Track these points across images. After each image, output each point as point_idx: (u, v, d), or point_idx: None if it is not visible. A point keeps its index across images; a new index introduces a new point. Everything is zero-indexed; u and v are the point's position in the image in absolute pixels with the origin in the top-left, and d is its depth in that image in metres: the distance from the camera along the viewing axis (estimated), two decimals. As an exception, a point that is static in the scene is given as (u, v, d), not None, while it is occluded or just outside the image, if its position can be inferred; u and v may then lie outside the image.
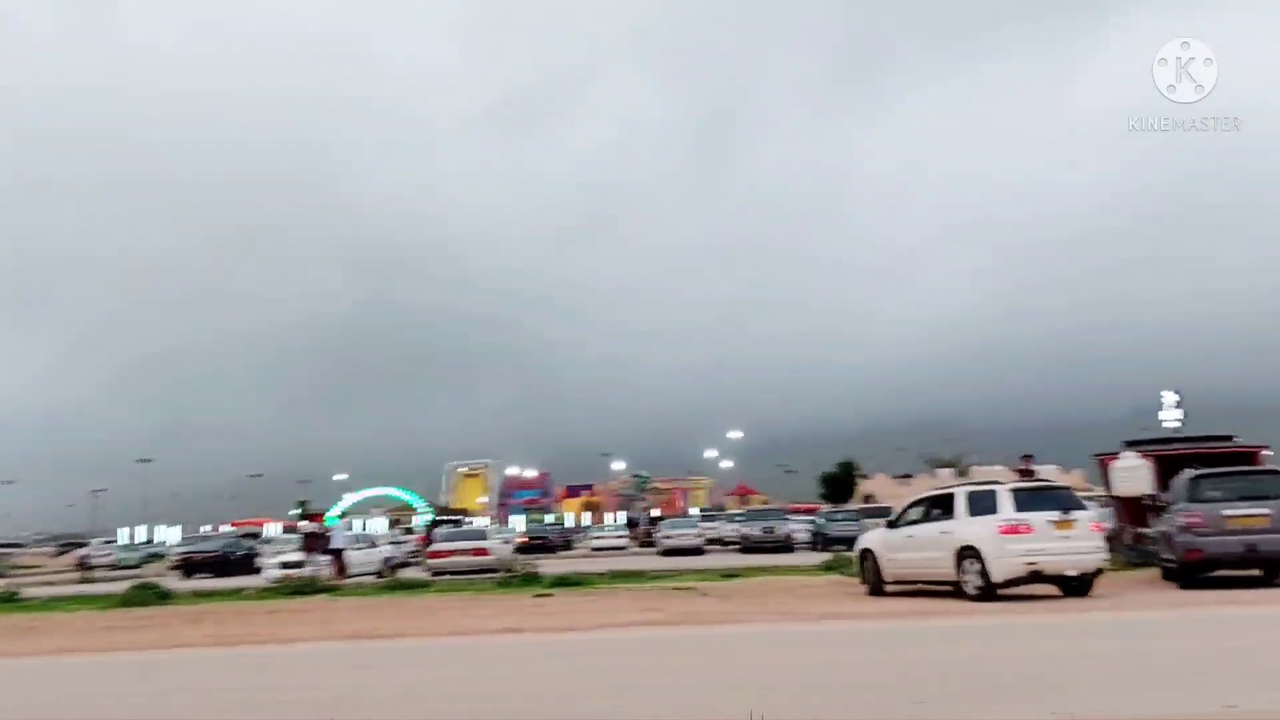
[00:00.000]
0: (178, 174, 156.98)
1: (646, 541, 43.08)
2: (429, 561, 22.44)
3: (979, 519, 12.65)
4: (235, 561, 34.03)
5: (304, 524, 23.17)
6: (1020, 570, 12.21)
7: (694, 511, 68.63)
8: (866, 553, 14.71)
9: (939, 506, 13.60)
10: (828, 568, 20.74)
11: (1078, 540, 12.44)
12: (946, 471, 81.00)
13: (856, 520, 34.31)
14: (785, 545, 33.24)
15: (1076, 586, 12.63)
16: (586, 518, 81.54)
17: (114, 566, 48.47)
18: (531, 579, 19.84)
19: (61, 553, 67.75)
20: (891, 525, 14.43)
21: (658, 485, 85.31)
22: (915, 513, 14.17)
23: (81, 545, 70.91)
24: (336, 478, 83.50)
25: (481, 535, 23.95)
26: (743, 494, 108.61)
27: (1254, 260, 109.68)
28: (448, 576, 21.87)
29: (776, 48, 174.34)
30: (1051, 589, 12.92)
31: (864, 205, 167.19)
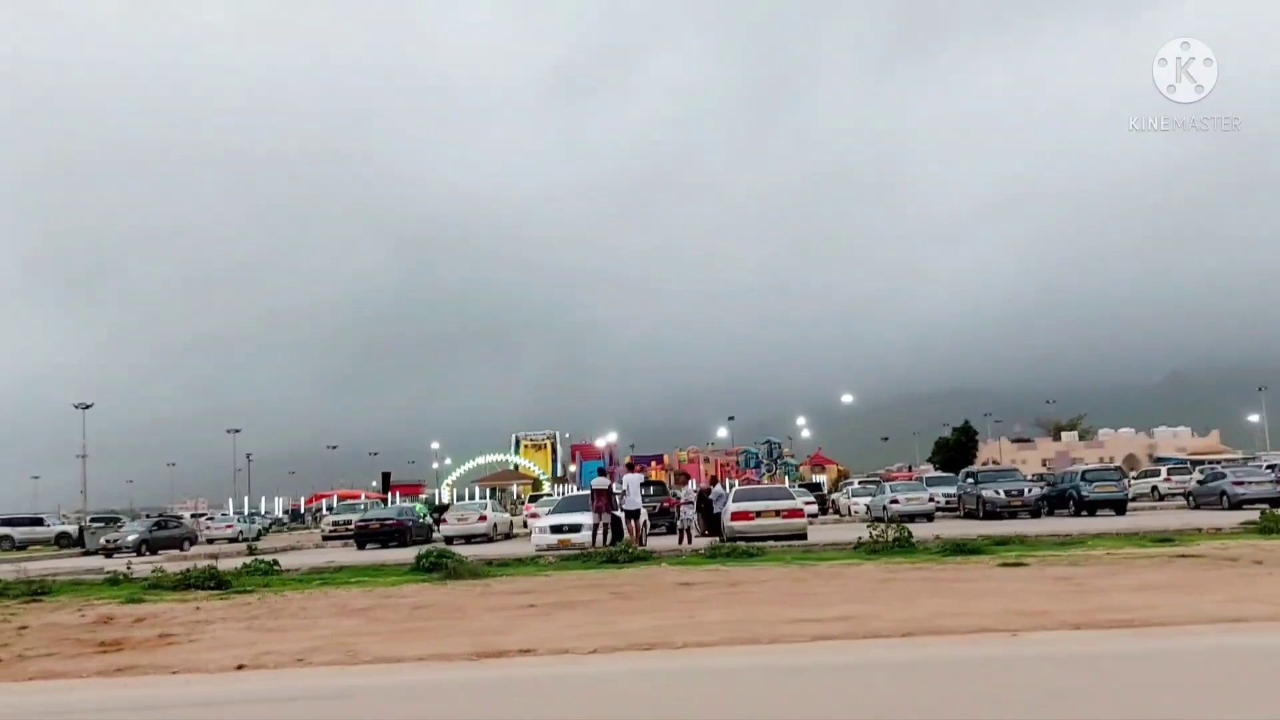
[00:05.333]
0: (227, 147, 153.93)
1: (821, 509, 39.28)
2: (729, 524, 18.67)
3: None
4: (412, 529, 30.69)
5: (598, 480, 19.32)
6: None
7: (821, 479, 65.22)
8: None
9: None
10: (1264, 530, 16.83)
11: None
12: (1070, 435, 76.74)
13: (1118, 480, 30.41)
14: (1033, 510, 29.24)
15: None
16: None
17: (232, 539, 45.31)
18: (905, 545, 16.08)
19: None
20: None
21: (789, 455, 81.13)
22: None
23: (176, 519, 68.33)
24: (433, 446, 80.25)
25: (788, 495, 20.17)
26: (819, 463, 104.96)
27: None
28: (759, 542, 18.10)
29: (834, 15, 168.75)
30: None
31: (916, 172, 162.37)
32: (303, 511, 70.92)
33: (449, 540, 30.68)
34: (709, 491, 20.53)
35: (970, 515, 30.65)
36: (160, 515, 48.48)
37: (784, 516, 18.56)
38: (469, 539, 30.57)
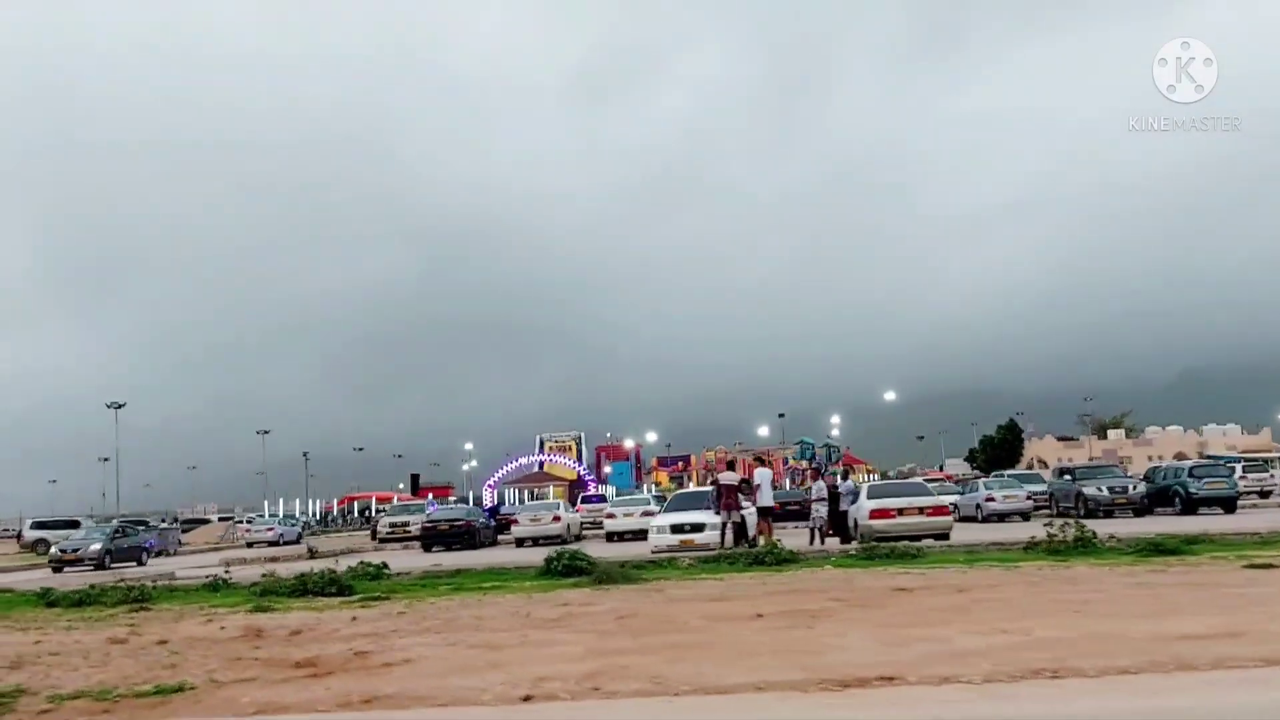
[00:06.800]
0: (241, 142, 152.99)
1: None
2: (868, 523, 17.09)
3: None
4: (481, 531, 29.26)
5: (726, 475, 17.75)
6: None
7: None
8: None
9: None
10: None
11: None
12: (1116, 433, 74.99)
13: (1228, 476, 28.77)
14: (1138, 508, 27.61)
15: None
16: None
17: (273, 543, 43.74)
18: (1087, 545, 14.46)
19: (186, 530, 63.51)
20: None
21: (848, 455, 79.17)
22: None
23: (204, 522, 66.76)
24: (467, 446, 78.68)
25: (928, 490, 18.59)
26: (849, 463, 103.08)
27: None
28: (900, 542, 16.48)
29: (858, 14, 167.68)
30: None
31: (935, 171, 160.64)
32: (335, 514, 69.43)
33: (520, 542, 29.13)
34: (836, 487, 18.98)
35: (1065, 514, 29.10)
36: (122, 522, 39.72)
37: (928, 514, 16.99)
38: (536, 540, 29.06)
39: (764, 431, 77.97)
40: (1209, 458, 66.34)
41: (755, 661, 6.19)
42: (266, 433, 69.87)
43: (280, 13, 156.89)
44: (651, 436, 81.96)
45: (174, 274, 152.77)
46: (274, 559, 27.46)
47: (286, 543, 43.98)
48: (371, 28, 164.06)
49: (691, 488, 69.98)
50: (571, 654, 6.86)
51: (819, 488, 19.18)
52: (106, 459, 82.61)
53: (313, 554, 29.06)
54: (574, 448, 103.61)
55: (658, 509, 31.13)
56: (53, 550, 28.25)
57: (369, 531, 43.20)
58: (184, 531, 63.73)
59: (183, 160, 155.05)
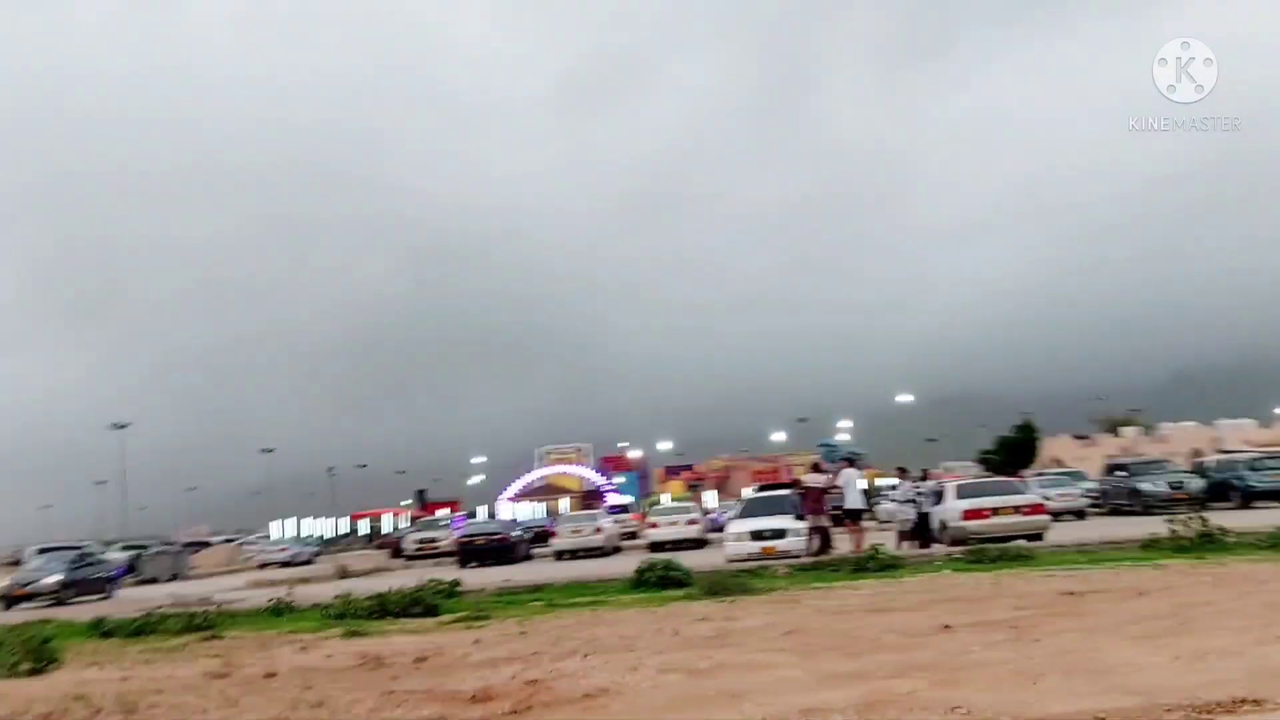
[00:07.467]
0: (229, 160, 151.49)
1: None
2: (960, 524, 16.13)
3: None
4: (518, 545, 28.15)
5: (810, 476, 16.74)
6: None
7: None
8: None
9: None
10: None
11: None
12: (1131, 430, 74.41)
13: (1285, 469, 27.87)
14: (1197, 503, 26.70)
15: None
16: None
17: (286, 563, 42.39)
18: (1213, 541, 13.51)
19: (195, 551, 61.75)
20: None
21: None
22: None
23: (204, 545, 65.07)
24: (475, 460, 77.37)
25: (1020, 489, 17.65)
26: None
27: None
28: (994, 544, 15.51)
29: (845, 19, 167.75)
30: None
31: (925, 177, 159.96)
32: (345, 532, 67.88)
33: (559, 555, 28.03)
34: (919, 488, 18.01)
35: (1118, 511, 28.27)
36: (80, 549, 32.51)
37: (1025, 513, 16.07)
38: (576, 553, 27.95)
39: (779, 437, 76.63)
40: (1225, 452, 65.71)
41: (1049, 683, 5.19)
42: (270, 450, 68.35)
43: (263, 33, 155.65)
44: (665, 445, 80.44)
45: (165, 297, 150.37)
46: (303, 580, 26.16)
47: (301, 563, 42.58)
48: (355, 44, 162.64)
49: (704, 495, 68.88)
50: (799, 680, 5.84)
51: (905, 489, 18.22)
52: (104, 481, 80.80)
53: (343, 574, 27.85)
54: (576, 459, 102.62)
55: (700, 518, 30.21)
56: (4, 583, 24.77)
57: (389, 549, 41.93)
58: (195, 553, 62.18)
59: (172, 183, 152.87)
